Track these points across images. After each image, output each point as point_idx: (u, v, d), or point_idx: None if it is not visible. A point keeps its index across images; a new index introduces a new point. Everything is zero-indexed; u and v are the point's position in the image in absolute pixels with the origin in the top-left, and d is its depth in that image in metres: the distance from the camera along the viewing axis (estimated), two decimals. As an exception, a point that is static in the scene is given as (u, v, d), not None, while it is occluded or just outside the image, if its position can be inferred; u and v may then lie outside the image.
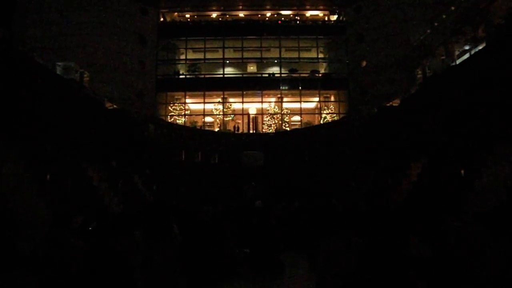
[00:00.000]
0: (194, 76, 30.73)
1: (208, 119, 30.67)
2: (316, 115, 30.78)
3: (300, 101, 30.16)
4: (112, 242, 3.60)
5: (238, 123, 29.79)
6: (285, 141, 25.20)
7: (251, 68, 31.75)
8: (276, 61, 30.93)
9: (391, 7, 26.98)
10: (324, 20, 32.41)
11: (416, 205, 10.57)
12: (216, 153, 24.10)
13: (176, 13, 31.95)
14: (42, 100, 13.05)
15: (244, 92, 29.86)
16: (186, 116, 30.24)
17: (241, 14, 32.47)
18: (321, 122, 29.79)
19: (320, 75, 31.10)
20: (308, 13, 32.57)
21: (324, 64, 32.37)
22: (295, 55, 30.91)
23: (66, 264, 3.57)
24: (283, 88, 30.21)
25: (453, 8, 20.37)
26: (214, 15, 32.45)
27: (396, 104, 21.57)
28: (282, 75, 30.48)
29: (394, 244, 3.27)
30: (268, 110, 30.45)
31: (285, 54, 30.95)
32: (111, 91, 25.29)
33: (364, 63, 28.45)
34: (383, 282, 3.01)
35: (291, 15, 32.31)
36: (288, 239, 9.06)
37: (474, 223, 3.92)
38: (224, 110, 30.00)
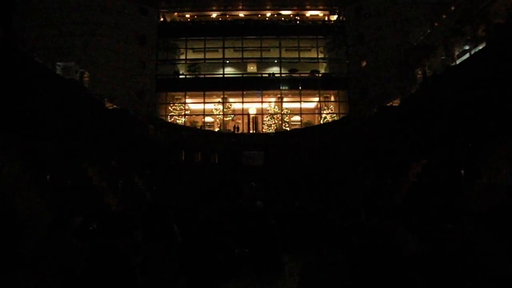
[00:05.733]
0: (194, 76, 30.73)
1: (208, 119, 30.67)
2: (316, 115, 30.78)
3: (300, 101, 30.17)
4: (112, 242, 3.60)
5: (238, 123, 29.79)
6: (285, 141, 25.20)
7: (251, 68, 31.75)
8: (276, 61, 30.93)
9: (391, 7, 26.99)
10: (324, 20, 32.40)
11: (416, 205, 10.58)
12: (216, 153, 24.10)
13: (176, 13, 31.95)
14: (42, 100, 13.05)
15: (244, 92, 29.87)
16: (186, 116, 30.25)
17: (241, 14, 32.48)
18: (321, 122, 29.79)
19: (320, 75, 31.09)
20: (308, 13, 32.57)
21: (324, 64, 32.36)
22: (295, 55, 30.91)
23: (67, 264, 3.57)
24: (283, 88, 30.22)
25: (453, 8, 20.37)
26: (214, 15, 32.45)
27: (396, 104, 21.58)
28: (282, 75, 30.48)
29: (391, 244, 3.27)
30: (268, 110, 30.46)
31: (285, 54, 30.95)
32: (111, 91, 25.31)
33: (364, 63, 28.45)
34: (382, 281, 3.01)
35: (291, 15, 32.32)
36: (288, 239, 9.05)
37: (474, 223, 3.92)
38: (224, 110, 30.00)
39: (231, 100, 30.54)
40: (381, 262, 3.10)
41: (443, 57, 20.36)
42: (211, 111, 30.32)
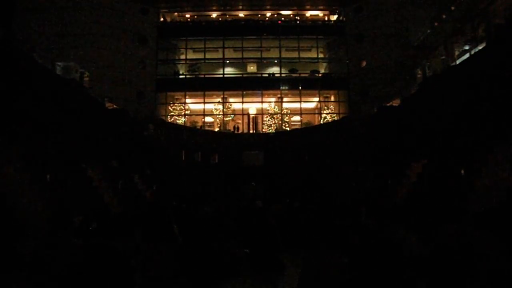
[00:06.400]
0: (194, 76, 30.73)
1: (208, 119, 30.67)
2: (316, 115, 30.78)
3: (300, 101, 30.17)
4: (112, 242, 3.60)
5: (238, 123, 29.79)
6: (285, 141, 25.20)
7: (251, 68, 31.74)
8: (276, 61, 30.92)
9: (391, 7, 27.00)
10: (324, 20, 32.39)
11: (416, 205, 10.58)
12: (216, 153, 24.10)
13: (176, 13, 31.95)
14: (42, 100, 13.05)
15: (244, 92, 29.86)
16: (186, 116, 30.25)
17: (241, 14, 32.47)
18: (321, 122, 29.79)
19: (320, 75, 31.09)
20: (308, 13, 32.56)
21: (324, 64, 32.36)
22: (295, 55, 30.91)
23: (66, 264, 3.57)
24: (283, 88, 30.21)
25: (453, 8, 20.37)
26: (214, 15, 32.45)
27: (396, 104, 21.58)
28: (282, 75, 30.47)
29: (391, 244, 3.27)
30: (268, 110, 30.45)
31: (285, 54, 30.93)
32: (111, 91, 25.31)
33: (364, 63, 28.45)
34: (382, 281, 3.01)
35: (291, 15, 32.31)
36: (288, 239, 9.05)
37: (474, 223, 3.92)
38: (224, 110, 30.00)
39: (231, 100, 30.53)
40: (381, 262, 3.10)
41: (443, 57, 20.35)
42: (211, 111, 30.32)
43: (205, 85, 29.78)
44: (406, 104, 19.66)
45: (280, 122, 29.89)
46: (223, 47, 30.47)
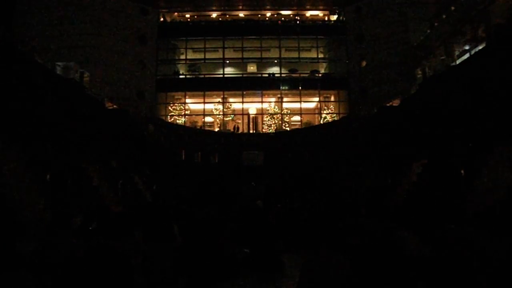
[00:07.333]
0: (194, 76, 30.73)
1: (208, 119, 30.67)
2: (316, 115, 30.77)
3: (300, 101, 30.16)
4: (112, 242, 3.60)
5: (238, 123, 29.79)
6: (285, 141, 25.21)
7: (251, 68, 31.73)
8: (276, 61, 30.91)
9: (391, 7, 26.99)
10: (324, 20, 32.40)
11: (416, 205, 10.59)
12: (216, 153, 24.11)
13: (176, 13, 31.95)
14: (42, 100, 13.05)
15: (244, 92, 29.86)
16: (186, 116, 30.24)
17: (241, 14, 32.47)
18: (321, 122, 29.79)
19: (320, 75, 31.09)
20: (308, 13, 32.56)
21: (324, 64, 32.36)
22: (295, 55, 30.90)
23: (66, 264, 3.57)
24: (283, 88, 30.21)
25: (453, 8, 20.37)
26: (214, 15, 32.45)
27: (396, 104, 21.57)
28: (282, 75, 30.47)
29: (391, 244, 3.28)
30: (268, 110, 30.45)
31: (285, 54, 30.93)
32: (111, 91, 25.30)
33: (364, 63, 28.44)
34: (383, 281, 3.01)
35: (291, 15, 32.31)
36: (288, 239, 9.05)
37: (474, 223, 3.93)
38: (224, 110, 30.00)
39: (231, 100, 30.53)
40: (381, 262, 3.10)
41: (443, 57, 20.34)
42: (211, 111, 30.32)
43: (205, 85, 29.78)
44: (406, 104, 19.65)
45: (280, 122, 29.89)
46: (223, 47, 30.46)
